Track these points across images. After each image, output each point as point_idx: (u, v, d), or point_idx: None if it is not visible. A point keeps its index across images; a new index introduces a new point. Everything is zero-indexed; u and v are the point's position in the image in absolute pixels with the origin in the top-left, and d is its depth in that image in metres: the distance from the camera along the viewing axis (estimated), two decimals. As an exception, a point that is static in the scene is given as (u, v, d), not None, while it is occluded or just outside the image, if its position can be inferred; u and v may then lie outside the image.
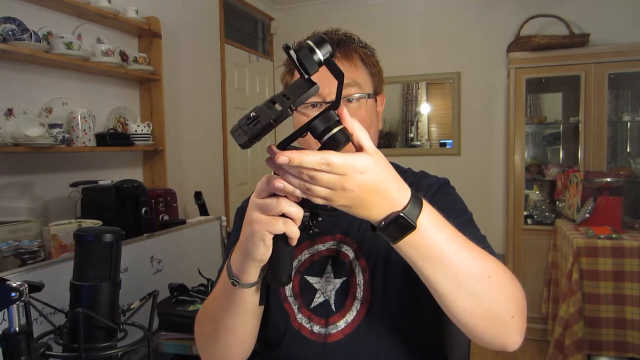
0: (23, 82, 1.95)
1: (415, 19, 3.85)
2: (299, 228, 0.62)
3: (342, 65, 0.87)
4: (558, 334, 2.37)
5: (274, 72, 4.24)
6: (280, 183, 0.57)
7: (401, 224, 0.59)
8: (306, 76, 0.57)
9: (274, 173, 0.60)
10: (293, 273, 0.89)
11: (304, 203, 0.62)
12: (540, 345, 3.02)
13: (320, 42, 0.57)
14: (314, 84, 0.58)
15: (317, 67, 0.57)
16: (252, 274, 0.69)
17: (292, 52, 0.57)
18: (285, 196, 0.60)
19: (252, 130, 0.54)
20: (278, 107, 0.55)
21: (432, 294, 0.66)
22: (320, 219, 0.65)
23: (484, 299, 0.65)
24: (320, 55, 0.57)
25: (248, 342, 0.83)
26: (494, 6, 3.63)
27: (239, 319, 0.77)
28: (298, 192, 0.57)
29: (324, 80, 0.86)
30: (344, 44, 0.90)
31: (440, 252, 0.61)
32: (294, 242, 0.63)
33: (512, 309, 0.67)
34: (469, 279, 0.63)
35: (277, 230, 0.61)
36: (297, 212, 0.60)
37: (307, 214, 0.63)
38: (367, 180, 0.56)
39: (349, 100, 0.88)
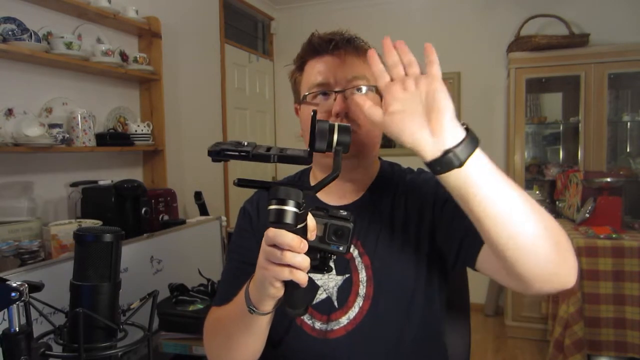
0: (23, 82, 1.95)
1: (415, 19, 3.84)
2: (312, 268, 0.65)
3: (353, 59, 0.90)
4: (558, 334, 2.37)
5: (274, 72, 4.24)
6: None
7: (471, 139, 0.62)
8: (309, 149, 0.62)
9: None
10: None
11: (313, 248, 0.65)
12: (540, 345, 3.01)
13: (345, 130, 0.63)
14: (310, 158, 0.61)
15: (324, 147, 0.62)
16: (269, 305, 0.72)
17: (315, 120, 0.62)
18: (289, 249, 0.62)
19: (228, 147, 0.60)
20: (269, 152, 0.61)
21: (498, 229, 0.63)
22: (334, 258, 0.69)
23: (547, 221, 0.65)
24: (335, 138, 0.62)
25: (259, 351, 0.85)
26: (494, 6, 3.63)
27: (253, 337, 0.80)
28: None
29: (330, 70, 0.88)
30: (354, 41, 0.92)
31: (502, 176, 0.64)
32: (304, 286, 0.65)
33: (564, 233, 0.67)
34: (531, 202, 0.65)
35: (283, 278, 0.64)
36: (302, 261, 0.62)
37: (318, 256, 0.68)
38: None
39: (358, 91, 0.89)
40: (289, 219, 0.59)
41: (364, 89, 0.89)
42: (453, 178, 0.62)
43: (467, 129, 0.63)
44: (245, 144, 0.60)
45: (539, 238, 0.63)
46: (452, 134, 0.61)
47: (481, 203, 0.63)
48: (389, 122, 0.66)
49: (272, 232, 0.62)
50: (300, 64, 0.94)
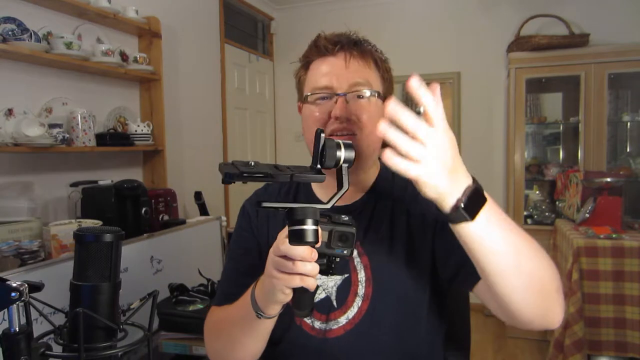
0: (23, 82, 1.95)
1: (415, 19, 3.85)
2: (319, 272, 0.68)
3: (357, 63, 0.90)
4: (558, 334, 2.37)
5: (274, 72, 4.24)
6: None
7: (479, 194, 0.61)
8: (318, 166, 0.64)
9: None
10: None
11: (320, 254, 0.68)
12: (540, 345, 3.01)
13: (349, 147, 0.65)
14: (322, 174, 0.64)
15: (332, 164, 0.64)
16: (275, 310, 0.75)
17: (322, 136, 0.64)
18: (302, 260, 0.65)
19: (245, 168, 0.59)
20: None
21: (491, 279, 0.66)
22: (338, 261, 0.72)
23: (538, 272, 0.67)
24: (342, 155, 0.64)
25: (261, 350, 0.87)
26: (494, 6, 3.63)
27: (257, 339, 0.82)
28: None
29: (334, 73, 0.88)
30: (361, 44, 0.91)
31: (504, 222, 0.64)
32: (312, 290, 0.68)
33: (555, 282, 0.70)
34: (527, 252, 0.66)
35: (294, 286, 0.67)
36: (313, 269, 0.65)
37: (324, 261, 0.70)
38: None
39: (360, 97, 0.88)
40: (310, 238, 0.63)
41: (367, 93, 0.88)
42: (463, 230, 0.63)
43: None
44: (252, 164, 0.61)
45: (534, 287, 0.67)
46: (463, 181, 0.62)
47: (485, 256, 0.64)
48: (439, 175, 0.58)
49: (284, 246, 0.65)
50: (306, 63, 0.94)
